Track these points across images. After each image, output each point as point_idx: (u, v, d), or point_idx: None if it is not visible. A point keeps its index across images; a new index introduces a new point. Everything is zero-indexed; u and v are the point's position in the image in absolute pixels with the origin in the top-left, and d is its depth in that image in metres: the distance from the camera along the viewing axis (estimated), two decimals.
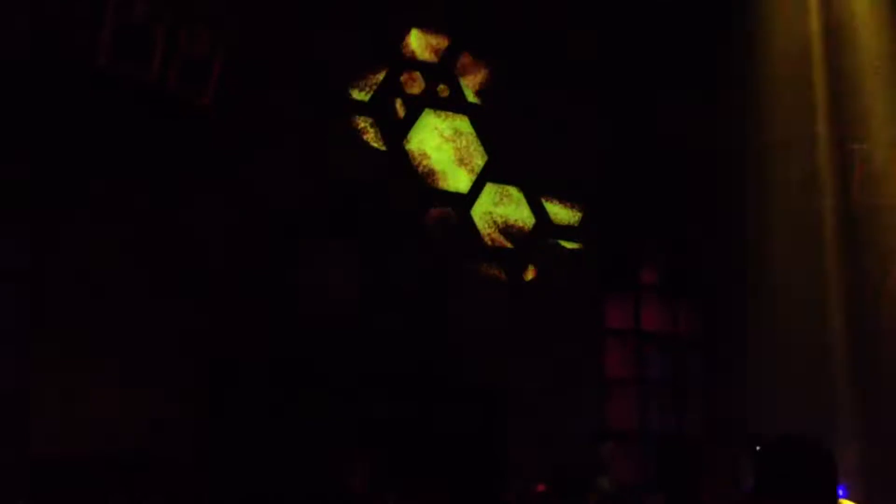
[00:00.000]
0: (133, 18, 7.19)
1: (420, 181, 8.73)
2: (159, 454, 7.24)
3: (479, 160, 8.99)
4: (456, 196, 8.88)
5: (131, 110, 7.34)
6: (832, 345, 9.97)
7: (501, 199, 9.07)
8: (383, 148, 8.59)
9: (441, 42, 8.90)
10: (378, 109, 8.58)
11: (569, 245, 9.21)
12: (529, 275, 9.04)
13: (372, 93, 8.56)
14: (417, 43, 8.83)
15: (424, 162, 8.77)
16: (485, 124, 9.04)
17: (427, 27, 8.83)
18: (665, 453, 9.63)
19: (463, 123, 8.95)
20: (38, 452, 6.93)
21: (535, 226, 9.12)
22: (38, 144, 7.14)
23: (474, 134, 8.99)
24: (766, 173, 9.82)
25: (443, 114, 8.88)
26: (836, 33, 9.61)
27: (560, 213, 9.27)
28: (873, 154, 9.68)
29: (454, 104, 8.94)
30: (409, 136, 8.72)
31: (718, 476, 9.55)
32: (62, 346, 7.11)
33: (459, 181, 8.91)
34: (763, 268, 9.83)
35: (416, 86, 8.78)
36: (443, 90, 8.90)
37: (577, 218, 9.30)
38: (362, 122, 8.51)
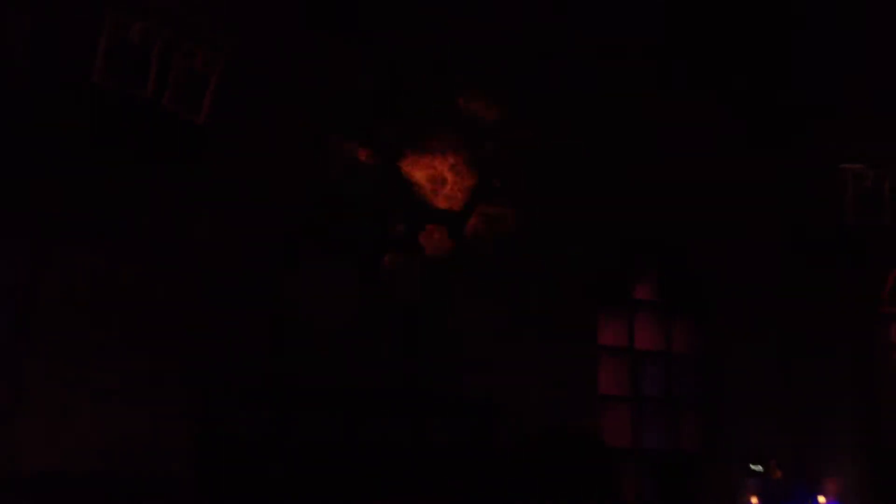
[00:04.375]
0: (129, 36, 7.22)
1: (415, 199, 8.76)
2: (153, 473, 7.20)
3: (474, 178, 9.04)
4: (450, 214, 8.90)
5: (126, 127, 7.36)
6: (827, 362, 10.01)
7: (495, 217, 9.10)
8: (379, 166, 8.63)
9: (437, 61, 8.96)
10: (374, 127, 8.63)
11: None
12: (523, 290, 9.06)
13: (367, 111, 8.61)
14: (412, 62, 8.89)
15: (419, 180, 8.81)
16: (480, 143, 9.09)
17: (424, 47, 8.90)
18: (660, 472, 9.62)
19: (458, 142, 9.00)
20: (28, 471, 6.88)
21: (529, 243, 9.15)
22: (32, 160, 7.15)
23: (469, 153, 9.04)
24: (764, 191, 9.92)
25: (438, 133, 8.93)
26: None
27: (554, 229, 9.30)
28: (866, 173, 9.76)
29: (449, 123, 8.99)
30: (404, 154, 8.77)
31: (715, 495, 9.54)
32: (54, 363, 7.08)
33: (454, 199, 8.94)
34: (756, 284, 9.89)
35: (411, 105, 8.83)
36: (438, 109, 8.96)
37: (570, 234, 9.32)
38: (358, 140, 8.55)
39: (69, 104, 7.17)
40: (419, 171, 8.81)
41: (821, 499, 9.70)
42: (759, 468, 9.61)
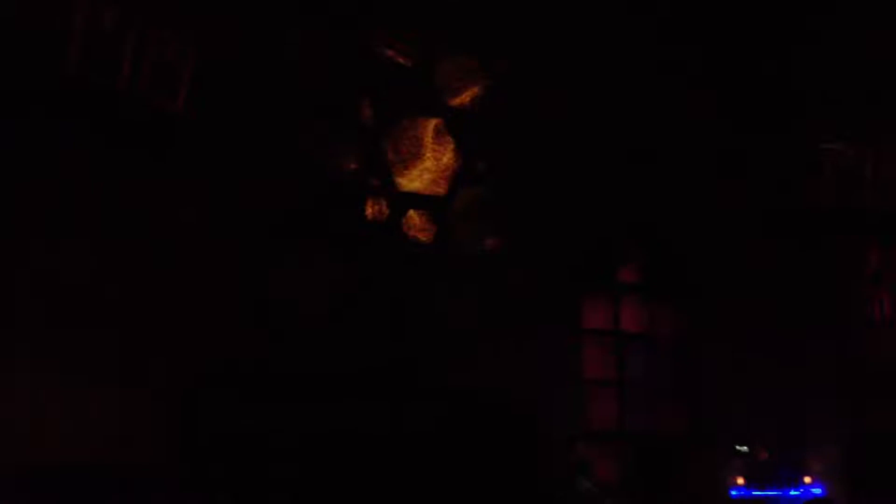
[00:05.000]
0: (102, 24, 7.14)
1: (397, 184, 8.73)
2: (129, 462, 7.16)
3: (456, 163, 9.01)
4: (431, 199, 8.87)
5: (101, 115, 7.29)
6: (810, 344, 10.05)
7: (477, 202, 9.08)
8: (358, 151, 8.59)
9: (416, 43, 8.90)
10: (352, 112, 8.58)
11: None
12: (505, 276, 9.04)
13: (346, 96, 8.56)
14: (392, 44, 8.83)
15: (400, 165, 8.77)
16: (461, 127, 9.05)
17: (402, 28, 8.84)
18: (645, 454, 9.64)
19: (439, 126, 8.96)
20: (14, 464, 6.79)
21: (512, 227, 9.13)
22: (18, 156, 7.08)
23: (451, 137, 9.01)
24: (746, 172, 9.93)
25: (419, 116, 8.89)
26: None
27: (537, 213, 9.28)
28: (845, 154, 9.78)
29: (430, 106, 8.95)
30: (383, 139, 8.73)
31: (699, 477, 9.57)
32: (43, 358, 7.00)
33: (438, 183, 8.92)
34: (740, 267, 9.91)
35: (391, 88, 8.79)
36: (418, 92, 8.91)
37: (554, 218, 9.30)
38: (337, 125, 8.51)
39: (50, 97, 7.09)
40: (402, 156, 8.77)
41: (806, 479, 9.75)
42: (744, 449, 9.66)
